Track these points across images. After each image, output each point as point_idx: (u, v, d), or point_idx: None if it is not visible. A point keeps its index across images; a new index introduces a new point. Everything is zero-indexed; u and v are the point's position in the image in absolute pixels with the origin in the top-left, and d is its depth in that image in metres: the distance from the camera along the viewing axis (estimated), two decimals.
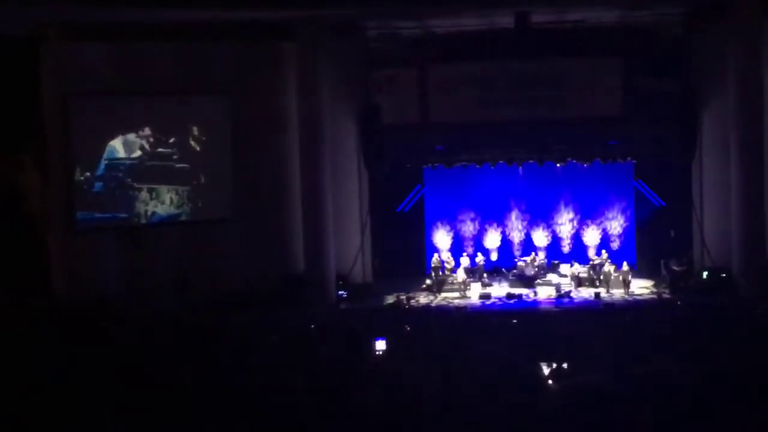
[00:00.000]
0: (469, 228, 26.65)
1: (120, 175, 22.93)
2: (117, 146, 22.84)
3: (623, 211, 26.33)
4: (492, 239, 26.55)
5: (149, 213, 23.32)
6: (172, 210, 23.55)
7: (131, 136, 22.97)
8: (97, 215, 22.77)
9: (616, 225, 26.27)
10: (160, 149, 23.30)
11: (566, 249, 26.22)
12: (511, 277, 24.77)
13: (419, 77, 24.58)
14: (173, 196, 23.49)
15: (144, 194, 23.20)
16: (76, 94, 22.19)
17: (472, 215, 26.68)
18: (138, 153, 23.10)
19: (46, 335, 15.42)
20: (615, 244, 26.06)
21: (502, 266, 26.03)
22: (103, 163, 22.71)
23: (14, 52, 20.91)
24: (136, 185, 23.12)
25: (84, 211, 22.60)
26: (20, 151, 21.31)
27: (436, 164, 25.78)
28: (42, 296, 20.74)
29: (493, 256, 26.34)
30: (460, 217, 26.70)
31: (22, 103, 21.15)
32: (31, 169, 21.45)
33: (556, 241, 26.45)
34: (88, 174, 22.59)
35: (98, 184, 22.73)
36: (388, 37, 24.39)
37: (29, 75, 21.33)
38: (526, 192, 26.43)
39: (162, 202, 23.40)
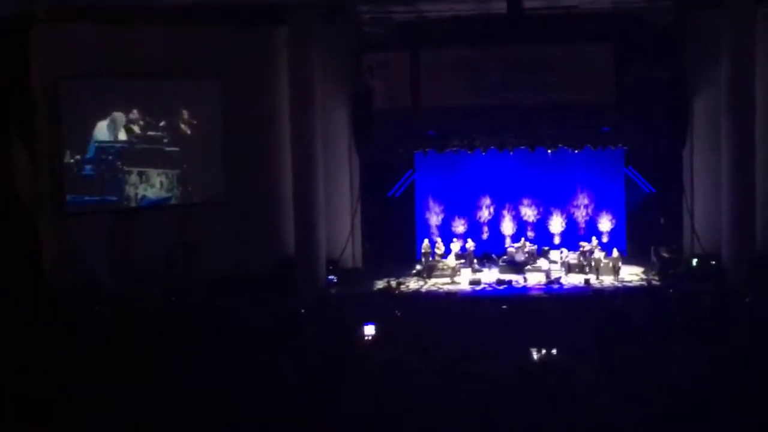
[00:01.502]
0: (459, 213, 26.63)
1: (110, 158, 22.90)
2: (107, 129, 22.78)
3: (612, 198, 26.34)
4: (483, 224, 26.57)
5: (139, 196, 23.30)
6: (162, 193, 23.54)
7: (121, 119, 22.91)
8: (87, 198, 22.74)
9: (606, 217, 26.27)
10: (150, 132, 23.26)
11: (557, 237, 26.22)
12: (501, 263, 24.79)
13: (411, 62, 24.50)
14: (163, 180, 23.47)
15: (134, 177, 23.17)
16: (66, 77, 22.11)
17: (464, 200, 26.66)
18: (128, 136, 23.04)
19: (36, 318, 15.43)
20: (605, 230, 26.06)
21: (493, 252, 26.05)
22: (93, 146, 22.66)
23: (3, 34, 20.78)
24: (126, 168, 23.09)
25: (74, 195, 22.56)
26: (10, 133, 21.21)
27: (427, 149, 25.76)
28: (32, 279, 20.74)
29: (483, 239, 26.35)
30: (451, 202, 26.68)
31: (12, 86, 21.03)
32: (21, 152, 21.37)
33: (545, 226, 26.47)
34: (78, 157, 22.54)
35: (88, 167, 22.69)
36: (379, 22, 24.29)
37: (19, 57, 21.19)
38: (517, 177, 26.41)
39: (152, 186, 23.38)
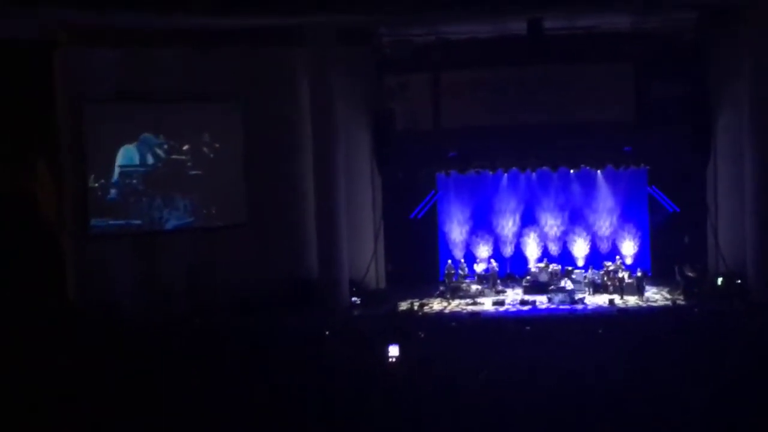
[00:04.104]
0: (482, 234, 26.56)
1: (134, 181, 23.01)
2: (131, 153, 22.91)
3: (636, 218, 26.23)
4: (507, 245, 26.50)
5: (163, 220, 23.38)
6: (186, 217, 23.61)
7: (149, 143, 23.04)
8: (111, 222, 22.83)
9: (630, 237, 26.14)
10: (173, 156, 23.36)
11: (580, 259, 26.10)
12: (524, 284, 24.71)
13: (432, 83, 24.58)
14: (187, 203, 23.55)
15: (158, 201, 23.26)
16: (90, 101, 22.27)
17: (486, 221, 26.62)
18: (152, 160, 23.16)
19: (59, 340, 15.50)
20: (629, 251, 25.93)
21: (516, 273, 25.99)
22: (117, 169, 22.78)
23: (27, 58, 20.96)
24: (149, 192, 23.17)
25: (98, 218, 22.67)
26: (35, 157, 21.38)
27: (449, 171, 25.81)
28: (56, 301, 20.85)
29: (507, 259, 26.28)
30: (474, 223, 26.64)
31: (36, 110, 21.21)
32: (46, 176, 21.53)
33: (568, 246, 26.38)
34: (102, 181, 22.67)
35: (112, 191, 22.80)
36: (400, 44, 24.37)
37: (43, 81, 21.37)
38: (540, 198, 26.35)
39: (176, 209, 23.46)
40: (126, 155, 22.88)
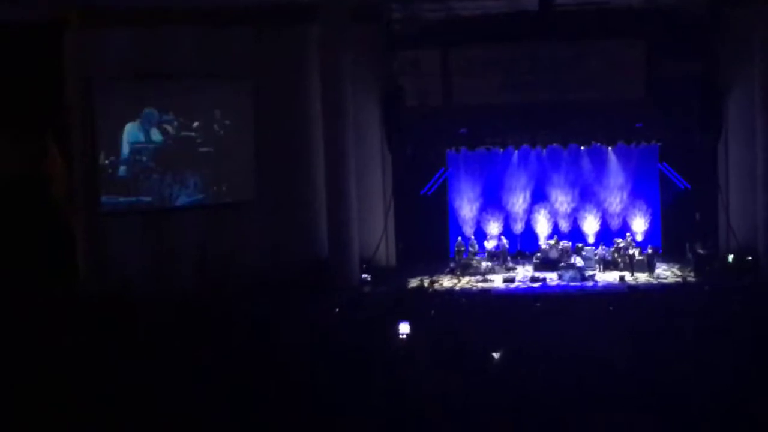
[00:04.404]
0: (492, 211, 26.55)
1: (144, 159, 23.03)
2: (139, 130, 22.92)
3: (647, 195, 26.18)
4: (517, 222, 26.49)
5: (173, 197, 23.40)
6: (196, 194, 23.62)
7: (153, 119, 23.03)
8: (122, 199, 22.88)
9: (640, 214, 26.09)
10: (183, 133, 23.35)
11: (591, 235, 26.08)
12: (535, 261, 24.71)
13: (442, 60, 24.49)
14: (197, 180, 23.56)
15: (168, 178, 23.27)
16: (100, 79, 22.27)
17: (497, 198, 26.60)
18: (162, 137, 23.17)
19: (70, 319, 15.56)
20: (640, 227, 25.90)
21: (526, 249, 25.98)
22: (127, 147, 22.80)
23: (38, 37, 21.00)
24: (160, 169, 23.19)
25: (108, 195, 22.71)
26: (45, 136, 21.43)
27: (459, 147, 25.78)
28: (66, 279, 20.95)
29: (517, 236, 26.26)
30: (484, 200, 26.62)
31: (47, 88, 21.25)
32: (56, 154, 21.58)
33: (579, 223, 26.36)
34: (112, 158, 22.69)
35: (122, 168, 22.84)
36: (411, 20, 24.28)
37: (53, 60, 21.41)
38: (550, 174, 26.31)
39: (186, 186, 23.47)
40: (135, 132, 22.88)
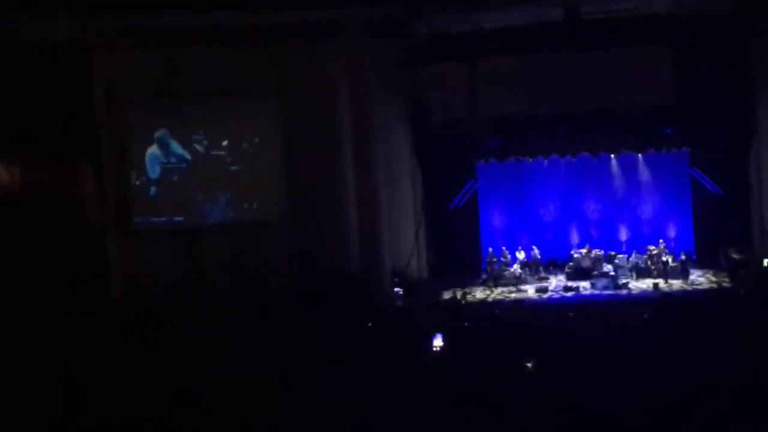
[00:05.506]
0: (523, 221, 26.50)
1: (175, 179, 23.18)
2: (170, 150, 23.07)
3: (678, 201, 26.03)
4: (548, 232, 26.41)
5: (205, 215, 23.51)
6: (227, 212, 23.71)
7: (184, 139, 23.19)
8: (154, 219, 23.03)
9: (673, 220, 25.95)
10: (213, 152, 23.48)
11: (623, 245, 25.94)
12: (567, 270, 24.61)
13: (468, 72, 24.48)
14: (228, 199, 23.65)
15: (199, 197, 23.39)
16: (129, 100, 22.48)
17: (527, 208, 26.54)
18: (192, 157, 23.31)
19: (105, 339, 15.66)
20: (673, 235, 25.75)
21: (558, 259, 25.88)
22: (158, 167, 22.96)
23: (66, 61, 21.22)
24: (191, 189, 23.32)
25: (141, 216, 22.87)
26: (77, 158, 21.64)
27: (488, 159, 25.79)
28: (100, 299, 21.10)
29: (549, 246, 26.17)
30: (514, 211, 26.57)
31: (77, 111, 21.47)
32: (88, 176, 21.77)
33: (610, 231, 26.24)
34: (144, 179, 22.86)
35: (154, 189, 23.00)
36: (435, 34, 24.29)
37: (82, 82, 21.63)
38: (580, 183, 26.23)
39: (217, 205, 23.57)
40: (166, 153, 23.06)
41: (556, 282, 24.31)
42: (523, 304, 21.81)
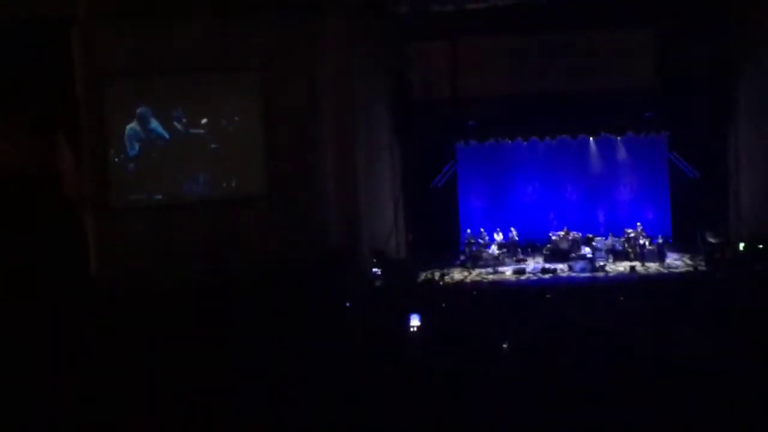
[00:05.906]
0: (502, 203, 26.56)
1: (154, 155, 23.06)
2: (149, 126, 22.96)
3: (656, 184, 26.14)
4: (527, 213, 26.49)
5: (183, 193, 23.42)
6: (206, 189, 23.61)
7: (164, 116, 23.07)
8: (132, 196, 22.92)
9: (651, 203, 26.07)
10: (192, 129, 23.36)
11: (601, 228, 26.04)
12: (545, 252, 24.71)
13: (450, 51, 24.45)
14: (207, 176, 23.56)
15: (178, 175, 23.29)
16: (108, 75, 22.30)
17: (506, 189, 26.60)
18: (171, 133, 23.18)
19: (83, 313, 15.63)
20: (650, 218, 25.87)
21: (536, 241, 25.96)
22: (137, 143, 22.84)
23: (45, 34, 21.03)
24: (170, 166, 23.21)
25: (119, 193, 22.75)
26: (55, 133, 21.50)
27: (468, 140, 25.79)
28: (78, 275, 21.03)
29: (527, 227, 26.24)
30: (493, 192, 26.62)
31: (56, 86, 21.31)
32: (66, 151, 21.65)
33: (588, 214, 26.35)
34: (122, 155, 22.74)
35: (132, 165, 22.88)
36: (418, 12, 24.24)
37: (61, 57, 21.46)
38: (559, 165, 26.30)
39: (196, 182, 23.48)
40: (145, 128, 22.93)
41: (533, 264, 24.40)
42: (500, 285, 21.87)
